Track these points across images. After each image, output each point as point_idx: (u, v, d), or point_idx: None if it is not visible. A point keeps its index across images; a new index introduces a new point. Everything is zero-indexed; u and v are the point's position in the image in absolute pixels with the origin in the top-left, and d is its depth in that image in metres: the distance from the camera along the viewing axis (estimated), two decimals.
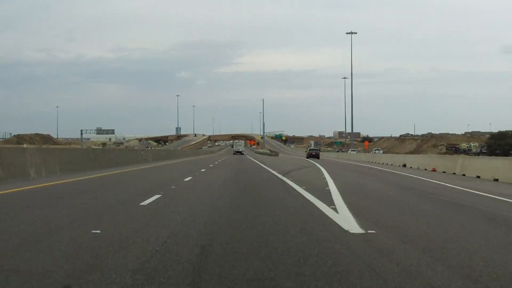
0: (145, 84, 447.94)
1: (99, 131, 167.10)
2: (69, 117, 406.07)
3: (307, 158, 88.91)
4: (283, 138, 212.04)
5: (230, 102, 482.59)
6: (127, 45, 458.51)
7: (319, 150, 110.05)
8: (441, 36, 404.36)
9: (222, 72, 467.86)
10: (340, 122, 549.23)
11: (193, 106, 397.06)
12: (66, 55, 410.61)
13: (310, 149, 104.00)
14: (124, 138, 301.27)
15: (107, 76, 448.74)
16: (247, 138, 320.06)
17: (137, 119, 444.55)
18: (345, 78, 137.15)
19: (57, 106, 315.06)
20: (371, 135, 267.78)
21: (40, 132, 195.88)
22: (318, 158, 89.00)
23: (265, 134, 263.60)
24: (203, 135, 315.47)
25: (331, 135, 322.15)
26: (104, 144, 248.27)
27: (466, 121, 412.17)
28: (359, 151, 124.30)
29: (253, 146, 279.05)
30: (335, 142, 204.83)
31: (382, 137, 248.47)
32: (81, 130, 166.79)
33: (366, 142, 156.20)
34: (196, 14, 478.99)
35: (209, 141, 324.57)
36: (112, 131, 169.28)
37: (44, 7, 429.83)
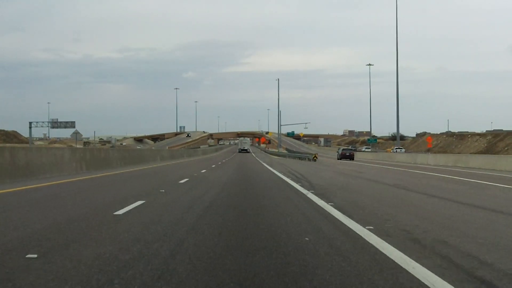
0: (151, 84, 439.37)
1: (55, 124, 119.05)
2: (70, 116, 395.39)
3: (339, 159, 77.92)
4: (301, 134, 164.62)
5: (236, 102, 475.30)
6: (133, 45, 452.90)
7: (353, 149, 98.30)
8: (448, 35, 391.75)
9: (228, 72, 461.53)
10: (348, 121, 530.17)
11: (196, 101, 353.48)
12: (73, 55, 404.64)
13: (343, 149, 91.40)
14: (125, 138, 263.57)
15: (113, 76, 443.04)
16: (255, 135, 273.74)
17: (142, 118, 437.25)
18: (369, 64, 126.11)
19: (48, 103, 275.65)
20: (378, 134, 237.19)
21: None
22: (353, 159, 78.42)
23: (271, 130, 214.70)
24: (204, 132, 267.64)
25: (341, 134, 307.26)
26: (86, 143, 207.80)
27: (480, 120, 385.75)
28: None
29: (262, 145, 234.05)
30: (368, 140, 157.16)
31: (424, 133, 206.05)
32: (30, 123, 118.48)
33: (429, 138, 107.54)
34: (203, 14, 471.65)
35: (211, 140, 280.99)
36: (71, 124, 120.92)
37: (51, 7, 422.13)
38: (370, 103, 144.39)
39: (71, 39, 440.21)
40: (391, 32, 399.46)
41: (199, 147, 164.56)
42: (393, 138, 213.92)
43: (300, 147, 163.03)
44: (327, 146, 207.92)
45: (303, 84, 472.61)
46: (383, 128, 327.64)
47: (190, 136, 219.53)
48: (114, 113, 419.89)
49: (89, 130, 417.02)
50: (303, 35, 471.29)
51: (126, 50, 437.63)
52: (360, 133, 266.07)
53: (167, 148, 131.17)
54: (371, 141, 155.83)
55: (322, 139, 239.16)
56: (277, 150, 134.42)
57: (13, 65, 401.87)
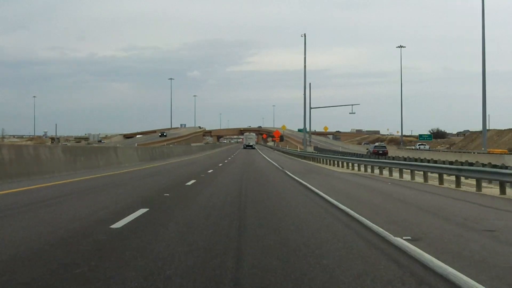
0: (155, 82, 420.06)
1: None
2: (70, 116, 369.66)
3: None
4: (325, 129, 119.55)
5: (240, 101, 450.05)
6: (138, 44, 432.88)
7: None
8: (453, 35, 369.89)
9: (232, 72, 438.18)
10: (350, 120, 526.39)
11: (194, 95, 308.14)
12: (78, 54, 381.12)
13: (375, 146, 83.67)
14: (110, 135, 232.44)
15: (117, 74, 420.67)
16: (260, 132, 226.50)
17: (144, 117, 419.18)
18: (401, 46, 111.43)
19: (34, 96, 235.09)
20: (382, 133, 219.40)
21: None
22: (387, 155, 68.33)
23: (283, 127, 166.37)
24: (200, 127, 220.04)
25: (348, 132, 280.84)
26: (54, 139, 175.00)
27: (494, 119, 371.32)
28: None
29: (270, 143, 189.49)
30: (420, 136, 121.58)
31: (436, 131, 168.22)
32: None
33: None
34: (208, 14, 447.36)
35: (209, 137, 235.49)
36: None
37: (55, 6, 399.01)
38: (401, 101, 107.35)
39: (76, 38, 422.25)
40: (393, 32, 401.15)
41: (190, 145, 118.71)
42: (435, 135, 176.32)
43: (331, 145, 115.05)
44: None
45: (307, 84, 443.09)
46: (394, 127, 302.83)
47: (165, 135, 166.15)
48: (115, 112, 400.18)
49: (88, 128, 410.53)
50: (309, 34, 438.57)
51: (131, 48, 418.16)
52: (369, 132, 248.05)
53: (135, 145, 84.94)
54: (425, 137, 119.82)
55: (330, 136, 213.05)
56: (296, 149, 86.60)
57: (18, 64, 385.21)
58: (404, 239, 7.67)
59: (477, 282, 5.45)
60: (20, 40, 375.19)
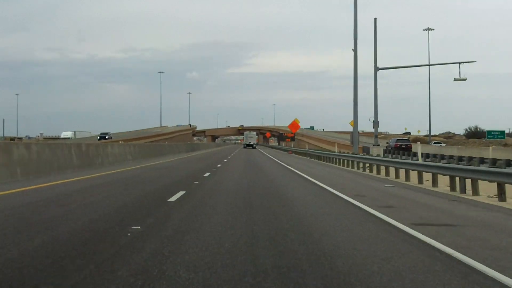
0: (155, 84, 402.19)
1: None
2: (70, 116, 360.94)
3: (389, 152, 68.30)
4: (351, 123, 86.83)
5: (239, 103, 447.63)
6: (138, 45, 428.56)
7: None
8: (452, 35, 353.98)
9: (232, 73, 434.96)
10: (348, 121, 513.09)
11: (189, 93, 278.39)
12: (77, 55, 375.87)
13: (397, 139, 79.26)
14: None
15: (117, 76, 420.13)
16: (261, 131, 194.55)
17: (145, 117, 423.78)
18: (428, 29, 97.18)
19: (16, 94, 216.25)
20: (391, 132, 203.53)
21: None
22: (411, 151, 70.00)
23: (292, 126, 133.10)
24: (190, 125, 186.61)
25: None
26: (14, 139, 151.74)
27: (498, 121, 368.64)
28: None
29: (273, 144, 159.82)
30: (488, 135, 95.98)
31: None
32: None
33: None
34: (208, 15, 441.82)
35: (203, 137, 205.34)
36: None
37: (56, 7, 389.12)
38: (429, 101, 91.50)
39: (76, 39, 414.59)
40: (393, 32, 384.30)
41: (177, 145, 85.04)
42: (467, 135, 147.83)
43: (369, 144, 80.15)
44: None
45: (306, 85, 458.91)
46: (397, 127, 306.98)
47: (107, 137, 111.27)
48: (116, 113, 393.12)
49: (87, 129, 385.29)
50: (307, 36, 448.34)
51: (131, 50, 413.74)
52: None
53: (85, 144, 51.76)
54: (495, 135, 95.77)
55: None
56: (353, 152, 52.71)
57: (18, 65, 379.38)
58: None
59: None
60: (19, 41, 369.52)
